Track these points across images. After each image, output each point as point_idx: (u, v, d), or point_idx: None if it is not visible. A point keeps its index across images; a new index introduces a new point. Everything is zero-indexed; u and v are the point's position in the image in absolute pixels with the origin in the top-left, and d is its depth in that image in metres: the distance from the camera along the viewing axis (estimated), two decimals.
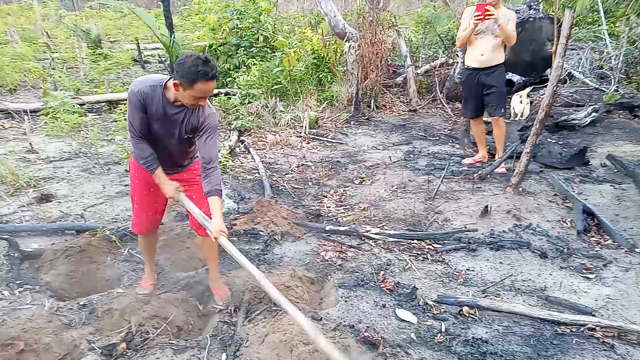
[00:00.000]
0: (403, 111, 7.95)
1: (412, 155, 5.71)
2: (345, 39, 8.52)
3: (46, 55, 9.39)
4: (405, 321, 2.70)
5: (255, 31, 8.27)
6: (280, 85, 7.25)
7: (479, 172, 4.80)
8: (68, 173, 4.90)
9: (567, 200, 4.20)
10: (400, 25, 9.31)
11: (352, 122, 7.17)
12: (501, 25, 4.68)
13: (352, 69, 7.52)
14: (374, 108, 7.80)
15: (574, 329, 2.59)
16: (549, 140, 5.35)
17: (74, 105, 6.16)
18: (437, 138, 6.56)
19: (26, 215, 3.87)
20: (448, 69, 8.56)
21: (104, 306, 2.75)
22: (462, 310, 2.79)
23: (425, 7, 10.18)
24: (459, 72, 7.45)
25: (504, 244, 3.53)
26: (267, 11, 8.55)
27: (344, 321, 2.66)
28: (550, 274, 3.18)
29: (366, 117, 7.45)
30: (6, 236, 3.27)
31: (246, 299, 2.86)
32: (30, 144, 5.38)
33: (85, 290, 3.09)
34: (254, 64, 7.55)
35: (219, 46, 8.26)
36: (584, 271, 3.20)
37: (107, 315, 2.68)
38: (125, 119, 4.89)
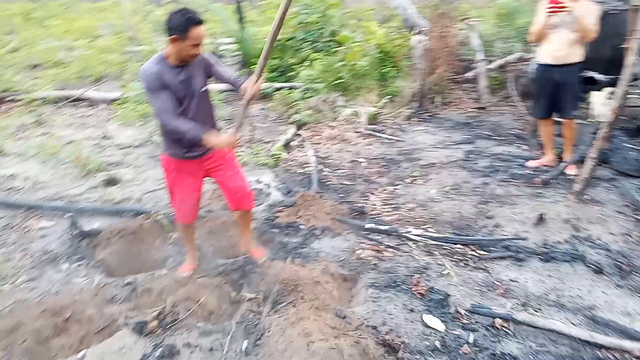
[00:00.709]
0: (471, 108, 7.58)
1: (472, 156, 5.45)
2: (414, 32, 8.28)
3: (131, 48, 10.11)
4: (432, 328, 2.62)
5: (322, 26, 8.29)
6: (342, 80, 7.23)
7: (542, 177, 4.49)
8: (136, 159, 5.27)
9: (638, 212, 3.80)
10: (472, 18, 8.88)
11: (413, 119, 6.97)
12: (577, 19, 4.30)
13: (418, 63, 7.30)
14: (438, 104, 7.53)
15: (617, 355, 2.36)
16: (624, 144, 4.85)
17: None
18: (504, 138, 6.18)
19: (93, 197, 4.23)
20: (525, 64, 8.02)
21: (145, 285, 2.95)
22: (494, 322, 2.64)
23: None
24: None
25: (556, 256, 3.28)
26: (335, 5, 8.54)
27: (368, 321, 2.64)
28: (603, 292, 2.91)
29: (429, 114, 7.21)
30: (70, 214, 3.61)
31: (275, 290, 2.92)
32: (105, 131, 5.86)
33: (133, 268, 3.34)
34: (318, 58, 7.58)
35: (287, 41, 8.39)
36: None
37: (146, 294, 2.87)
38: None
